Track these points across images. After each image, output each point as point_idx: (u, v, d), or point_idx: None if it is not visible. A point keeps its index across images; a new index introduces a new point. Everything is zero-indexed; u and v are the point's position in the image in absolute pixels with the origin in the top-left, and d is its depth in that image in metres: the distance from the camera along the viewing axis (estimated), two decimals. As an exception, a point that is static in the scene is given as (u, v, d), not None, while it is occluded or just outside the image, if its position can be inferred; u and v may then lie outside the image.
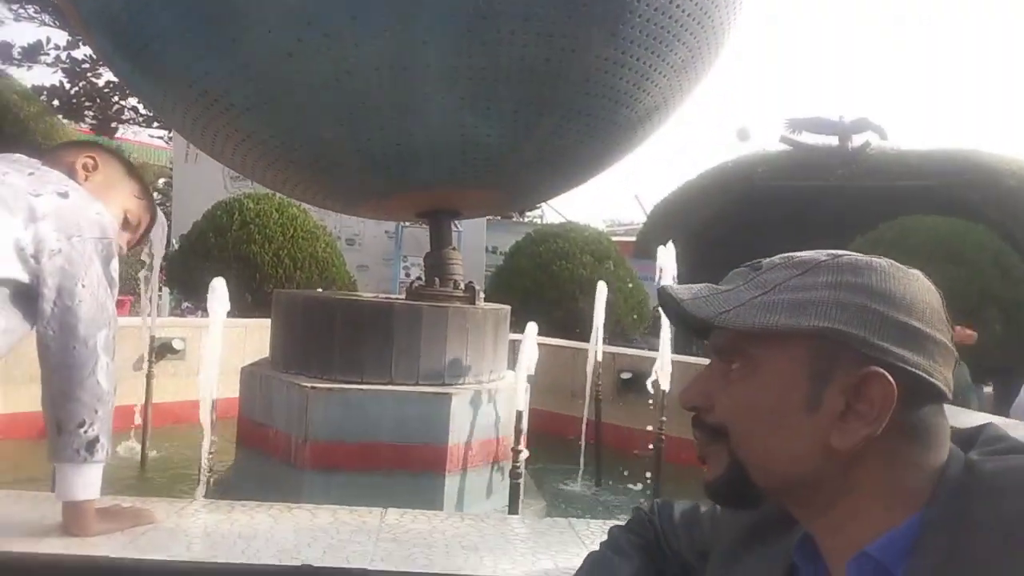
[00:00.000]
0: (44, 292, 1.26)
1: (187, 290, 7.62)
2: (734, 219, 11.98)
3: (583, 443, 4.12)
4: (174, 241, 8.98)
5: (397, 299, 3.07)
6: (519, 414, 2.64)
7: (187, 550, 1.17)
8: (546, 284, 7.44)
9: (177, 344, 4.95)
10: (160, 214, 3.50)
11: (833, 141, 13.00)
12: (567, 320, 6.37)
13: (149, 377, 3.97)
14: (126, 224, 1.57)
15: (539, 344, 4.98)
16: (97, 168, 1.55)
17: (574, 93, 2.59)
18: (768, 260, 0.77)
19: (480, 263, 12.79)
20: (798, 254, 0.77)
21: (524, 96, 2.53)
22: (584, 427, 4.15)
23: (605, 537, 1.05)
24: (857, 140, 12.88)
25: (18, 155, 1.43)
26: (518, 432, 2.62)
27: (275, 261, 6.60)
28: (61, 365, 1.25)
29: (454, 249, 3.19)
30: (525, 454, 2.64)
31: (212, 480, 2.66)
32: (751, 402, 0.71)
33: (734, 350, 0.73)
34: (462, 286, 3.09)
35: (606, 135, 2.86)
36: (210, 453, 2.51)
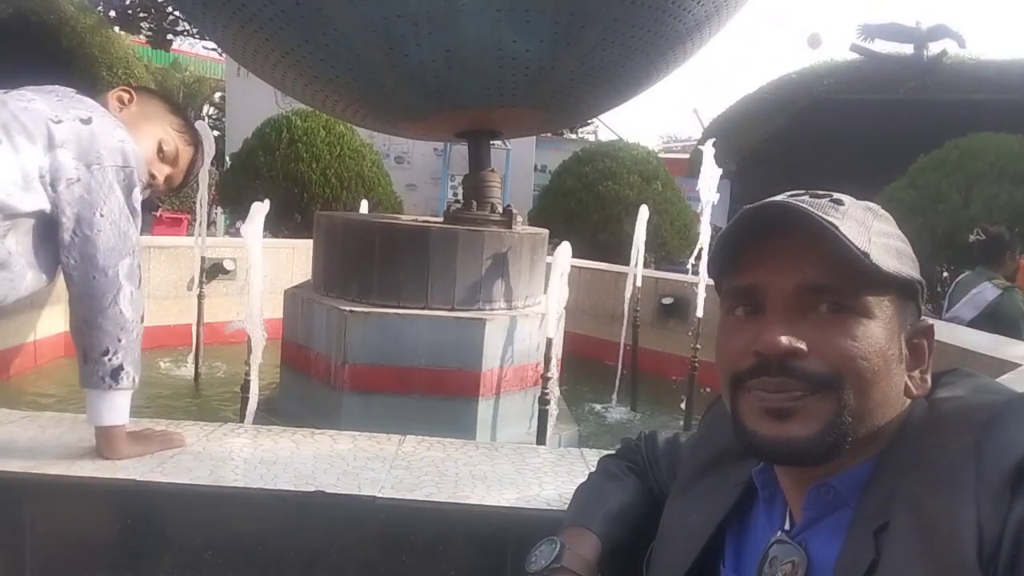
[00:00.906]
0: (63, 221, 1.25)
1: (239, 210, 7.75)
2: (796, 135, 11.46)
3: (620, 368, 4.10)
4: (227, 159, 9.08)
5: (434, 222, 3.03)
6: (549, 341, 2.62)
7: (210, 474, 1.20)
8: (592, 205, 7.29)
9: (228, 264, 5.06)
10: (202, 128, 3.49)
11: (908, 50, 12.14)
12: (612, 243, 6.26)
13: (200, 297, 4.08)
14: (162, 154, 1.53)
15: (580, 267, 4.95)
16: (132, 100, 1.52)
17: (618, 3, 2.42)
18: (836, 196, 0.71)
19: (528, 182, 12.63)
20: (836, 195, 0.72)
21: (564, 7, 2.38)
22: (621, 352, 4.13)
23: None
24: (933, 49, 12.00)
25: (53, 87, 1.40)
26: (547, 359, 2.60)
27: (322, 180, 6.62)
28: (83, 294, 1.26)
29: (492, 171, 3.11)
30: (554, 380, 2.63)
31: (258, 400, 2.73)
32: (874, 350, 0.66)
33: (839, 290, 0.67)
34: (500, 209, 3.03)
35: (652, 48, 2.69)
36: (246, 376, 2.55)
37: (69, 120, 1.30)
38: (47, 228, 1.28)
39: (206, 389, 3.89)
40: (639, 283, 4.11)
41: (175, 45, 21.83)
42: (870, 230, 0.69)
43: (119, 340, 1.27)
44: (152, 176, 1.50)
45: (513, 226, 2.99)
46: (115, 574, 1.18)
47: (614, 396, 4.03)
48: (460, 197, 3.19)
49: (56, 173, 1.25)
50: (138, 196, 1.36)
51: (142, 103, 1.52)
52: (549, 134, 12.96)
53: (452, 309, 2.79)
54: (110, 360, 1.27)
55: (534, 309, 2.99)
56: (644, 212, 4.06)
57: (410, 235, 2.83)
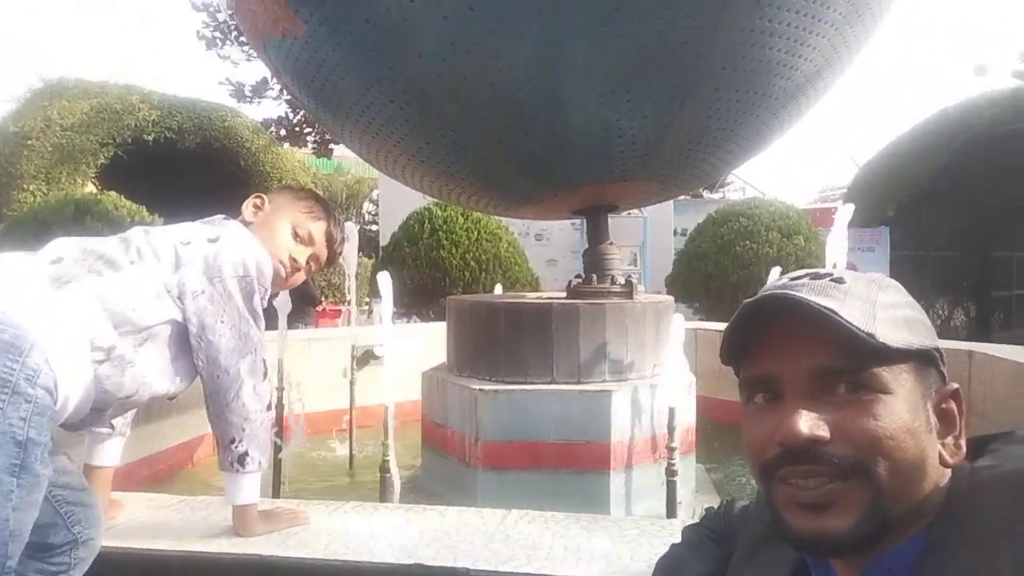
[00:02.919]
0: (191, 329, 1.46)
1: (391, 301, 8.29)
2: (964, 170, 10.56)
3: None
4: (381, 252, 9.82)
5: (557, 299, 3.11)
6: (672, 410, 2.57)
7: (325, 548, 1.31)
8: (729, 267, 7.09)
9: (378, 350, 5.42)
10: (348, 227, 3.83)
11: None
12: (756, 304, 6.02)
13: (352, 383, 4.39)
14: (298, 238, 1.73)
15: (719, 331, 4.80)
16: (263, 205, 1.75)
17: (719, 72, 2.46)
18: (836, 273, 0.72)
19: (668, 247, 12.50)
20: (837, 271, 0.73)
21: (665, 82, 2.45)
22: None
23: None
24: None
25: (211, 217, 1.66)
26: (671, 428, 2.55)
27: (462, 264, 6.98)
28: (210, 391, 1.46)
29: (611, 244, 3.17)
30: (682, 450, 2.56)
31: (403, 479, 2.87)
32: (899, 426, 0.65)
33: (853, 370, 0.66)
34: (620, 281, 3.07)
35: (762, 109, 2.68)
36: (384, 456, 2.70)
37: (197, 241, 1.53)
38: (182, 336, 1.49)
39: (359, 471, 4.13)
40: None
41: (337, 152, 24.16)
42: (875, 305, 0.68)
43: (243, 430, 1.44)
44: (294, 261, 1.69)
45: (635, 296, 3.01)
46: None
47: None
48: (576, 275, 3.26)
49: (183, 288, 1.46)
50: (258, 301, 1.54)
51: (273, 201, 1.74)
52: (687, 196, 12.84)
53: (578, 382, 2.83)
54: (236, 447, 1.44)
55: (662, 379, 2.95)
56: (775, 273, 3.92)
57: (533, 313, 2.93)
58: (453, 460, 2.97)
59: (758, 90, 2.60)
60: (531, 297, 3.31)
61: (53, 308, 1.31)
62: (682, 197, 12.75)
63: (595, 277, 3.07)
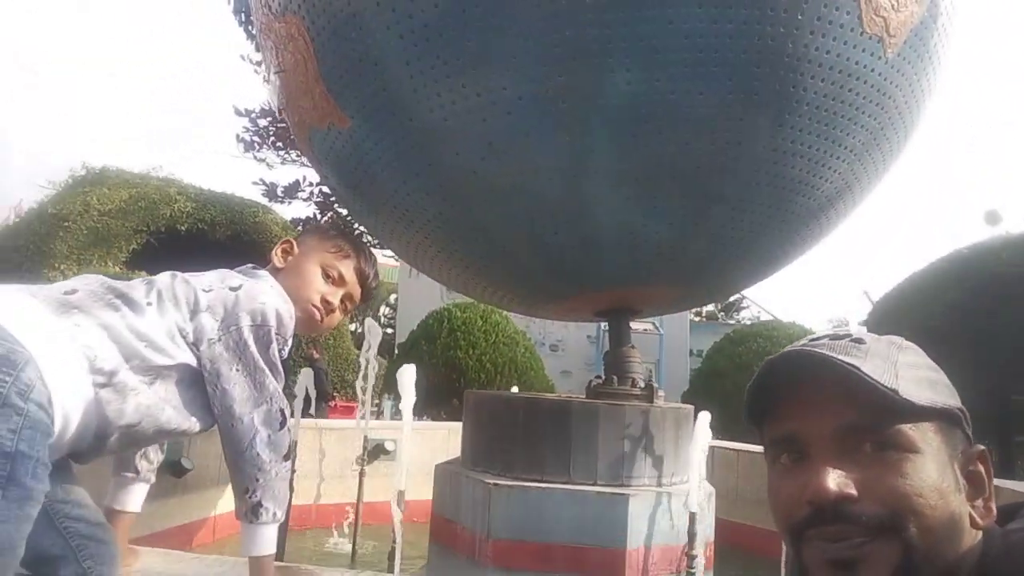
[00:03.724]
0: (206, 376, 1.46)
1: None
2: (973, 310, 10.57)
3: (784, 567, 3.73)
4: (396, 350, 9.86)
5: (577, 398, 3.11)
6: (692, 515, 2.51)
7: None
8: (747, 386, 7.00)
9: (389, 445, 5.35)
10: (371, 323, 3.85)
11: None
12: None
13: (361, 475, 4.32)
14: (329, 279, 1.74)
15: (739, 451, 4.71)
16: (292, 250, 1.78)
17: (743, 185, 2.57)
18: (855, 334, 0.74)
19: (683, 366, 12.46)
20: (856, 332, 0.74)
21: (690, 191, 2.56)
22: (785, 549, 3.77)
23: None
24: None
25: (242, 267, 1.70)
26: (691, 534, 2.48)
27: (478, 366, 7.00)
28: (226, 440, 1.45)
29: (633, 347, 3.19)
30: (700, 560, 2.47)
31: None
32: (927, 484, 0.65)
33: (878, 428, 0.67)
34: (641, 384, 3.07)
35: (783, 225, 2.77)
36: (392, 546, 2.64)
37: (219, 288, 1.54)
38: (196, 380, 1.49)
39: (361, 566, 3.99)
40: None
41: (359, 253, 24.66)
42: (896, 364, 0.69)
43: (257, 480, 1.43)
44: (327, 303, 1.70)
45: (655, 401, 3.00)
46: None
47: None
48: (596, 376, 3.27)
49: (199, 334, 1.47)
50: (275, 351, 1.54)
51: (302, 245, 1.76)
52: (702, 319, 12.89)
53: (595, 484, 2.78)
54: (251, 497, 1.42)
55: (680, 487, 2.89)
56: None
57: (552, 409, 2.92)
58: (461, 558, 2.88)
59: (780, 206, 2.70)
60: (549, 396, 3.30)
61: (54, 329, 1.31)
62: (698, 319, 12.81)
63: (616, 379, 3.07)
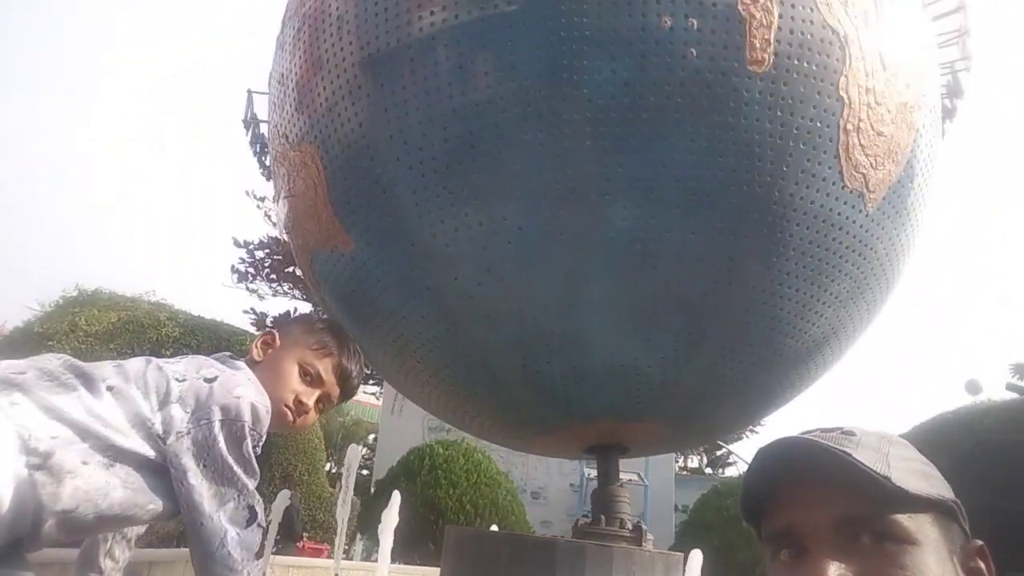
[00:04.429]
0: (173, 472, 1.40)
1: (377, 537, 7.87)
2: (962, 479, 10.42)
3: None
4: (372, 489, 9.51)
5: (563, 538, 2.98)
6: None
7: None
8: (737, 542, 6.77)
9: (358, 588, 5.05)
10: (353, 450, 3.75)
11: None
12: (764, 585, 5.66)
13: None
14: (307, 378, 1.69)
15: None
16: (273, 343, 1.75)
17: (733, 323, 2.63)
18: (846, 428, 0.75)
19: (668, 520, 12.01)
20: (846, 426, 0.76)
21: (683, 327, 2.61)
22: None
23: None
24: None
25: (219, 354, 1.68)
26: None
27: (458, 506, 6.74)
28: (194, 539, 1.37)
29: (622, 486, 3.11)
30: None
31: None
32: (925, 574, 0.63)
33: (873, 518, 0.66)
34: (629, 525, 2.96)
35: (773, 366, 2.81)
36: None
37: (193, 379, 1.51)
38: (159, 467, 1.41)
39: None
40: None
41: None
42: (887, 456, 0.71)
43: None
44: (301, 404, 1.64)
45: (643, 544, 2.89)
46: None
47: None
48: (583, 515, 3.17)
49: (168, 426, 1.43)
50: (248, 447, 1.48)
51: (285, 336, 1.73)
52: (687, 472, 12.62)
53: (579, 632, 2.60)
54: None
55: (669, 640, 2.71)
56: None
57: (537, 548, 2.79)
58: None
59: (770, 346, 2.75)
60: (534, 534, 3.16)
61: None
62: (684, 472, 12.54)
63: (604, 519, 2.97)
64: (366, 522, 7.84)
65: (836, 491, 0.67)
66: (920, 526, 0.66)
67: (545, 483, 12.17)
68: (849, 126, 2.46)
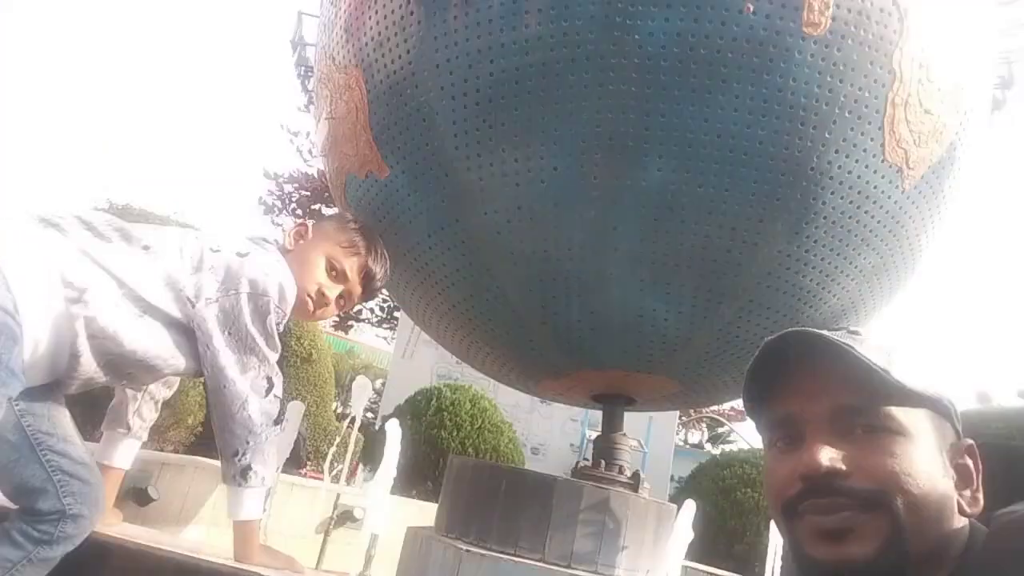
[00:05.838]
0: (199, 336, 1.47)
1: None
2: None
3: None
4: (376, 425, 9.71)
5: (562, 476, 3.06)
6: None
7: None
8: (728, 512, 6.88)
9: (357, 513, 5.17)
10: (362, 381, 3.82)
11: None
12: (749, 554, 5.78)
13: (325, 537, 4.17)
14: (333, 273, 1.74)
15: (708, 572, 4.55)
16: (305, 234, 1.80)
17: (754, 285, 2.65)
18: (852, 328, 0.79)
19: (664, 491, 12.17)
20: (853, 328, 0.79)
21: (703, 283, 2.64)
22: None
23: None
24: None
25: (259, 235, 1.73)
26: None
27: (460, 448, 6.87)
28: (215, 402, 1.45)
29: (624, 435, 3.18)
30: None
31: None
32: (915, 465, 0.69)
33: (869, 409, 0.70)
34: (628, 472, 3.04)
35: (788, 333, 2.83)
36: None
37: (227, 251, 1.57)
38: (185, 328, 1.47)
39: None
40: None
41: (351, 335, 24.64)
42: (890, 354, 0.75)
43: (247, 443, 1.41)
44: (323, 296, 1.70)
45: (640, 490, 2.96)
46: None
47: None
48: (582, 458, 3.25)
49: (198, 291, 1.49)
50: (272, 322, 1.55)
51: (317, 230, 1.78)
52: (687, 445, 12.73)
53: (568, 566, 2.70)
54: (239, 460, 1.40)
55: (655, 583, 2.81)
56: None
57: (535, 483, 2.88)
58: (419, 624, 2.76)
59: (788, 313, 2.77)
60: (535, 470, 3.26)
61: (28, 245, 1.30)
62: (685, 445, 12.64)
63: (603, 463, 3.05)
64: (368, 458, 8.02)
65: (836, 382, 0.72)
66: (914, 420, 0.70)
67: (546, 440, 12.34)
68: (897, 100, 2.44)
